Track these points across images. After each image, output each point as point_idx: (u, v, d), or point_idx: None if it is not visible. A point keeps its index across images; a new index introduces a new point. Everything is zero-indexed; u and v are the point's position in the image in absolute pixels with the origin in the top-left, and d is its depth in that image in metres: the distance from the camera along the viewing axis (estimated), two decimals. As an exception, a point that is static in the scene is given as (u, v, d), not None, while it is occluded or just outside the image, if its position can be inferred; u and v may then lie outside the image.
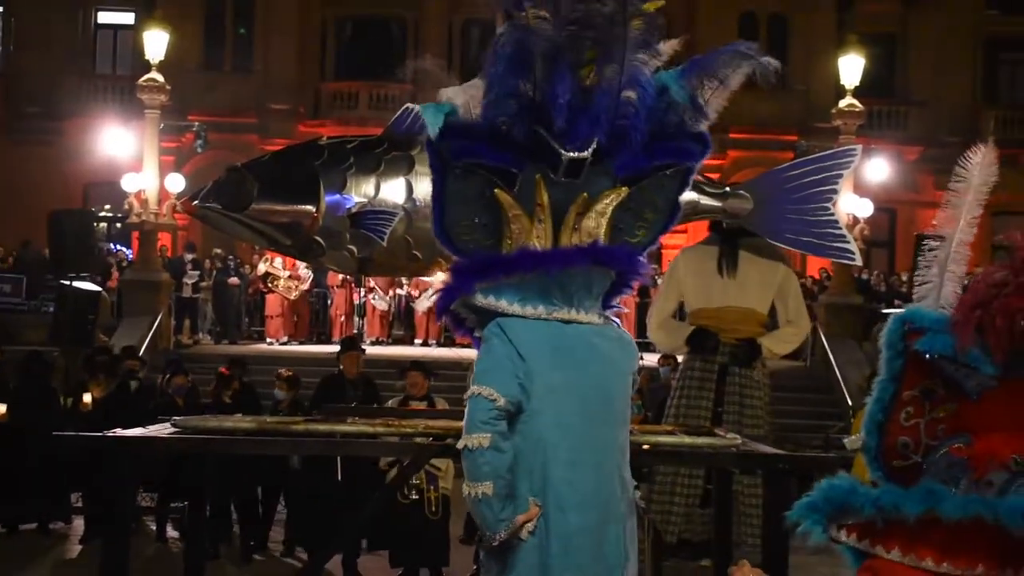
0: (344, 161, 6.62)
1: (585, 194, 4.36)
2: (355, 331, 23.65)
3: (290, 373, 11.94)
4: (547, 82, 4.22)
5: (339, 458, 9.66)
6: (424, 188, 6.48)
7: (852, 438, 3.00)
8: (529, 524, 4.20)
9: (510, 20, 4.26)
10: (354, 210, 6.56)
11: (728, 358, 8.96)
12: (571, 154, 4.25)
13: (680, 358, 9.82)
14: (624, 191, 4.45)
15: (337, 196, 6.55)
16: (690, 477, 9.04)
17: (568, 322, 4.37)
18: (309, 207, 6.56)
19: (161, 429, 6.00)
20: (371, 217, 6.52)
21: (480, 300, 4.37)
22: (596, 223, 4.41)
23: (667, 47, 4.44)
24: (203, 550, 7.25)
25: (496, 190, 4.38)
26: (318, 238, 6.61)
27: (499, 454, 4.17)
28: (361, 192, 6.58)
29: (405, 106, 6.81)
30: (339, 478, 9.91)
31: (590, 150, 4.28)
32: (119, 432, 5.77)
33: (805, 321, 9.38)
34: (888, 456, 2.80)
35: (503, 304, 4.34)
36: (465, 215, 4.47)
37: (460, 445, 4.21)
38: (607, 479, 4.36)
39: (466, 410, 4.22)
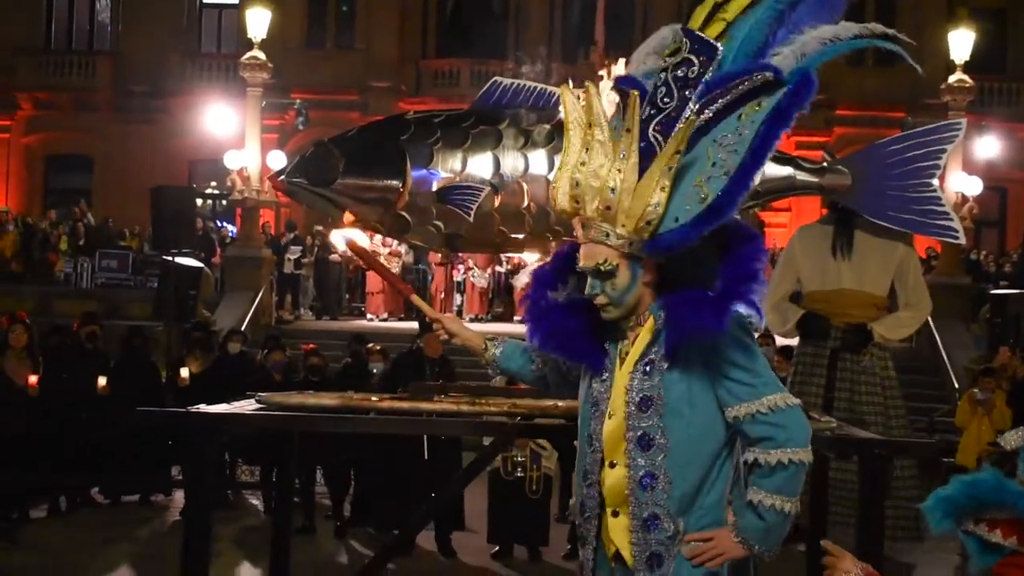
0: (431, 135, 6.53)
1: None
2: (455, 308, 23.77)
3: (380, 347, 12.00)
4: None
5: (426, 437, 9.64)
6: (511, 163, 6.39)
7: (1011, 435, 2.88)
8: None
9: None
10: (441, 185, 6.47)
11: (839, 343, 8.66)
12: None
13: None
14: None
15: (423, 171, 6.47)
16: None
17: None
18: (395, 182, 6.48)
19: (245, 405, 5.99)
20: (458, 192, 6.43)
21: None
22: None
23: None
24: (290, 524, 7.24)
25: None
26: (404, 214, 6.53)
27: None
28: (448, 167, 6.49)
29: (493, 79, 6.72)
30: (425, 457, 9.89)
31: None
32: (201, 408, 5.76)
33: (924, 304, 8.83)
34: None
35: None
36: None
37: (800, 459, 3.75)
38: None
39: (791, 420, 3.77)
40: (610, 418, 3.86)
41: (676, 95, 3.80)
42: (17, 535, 10.78)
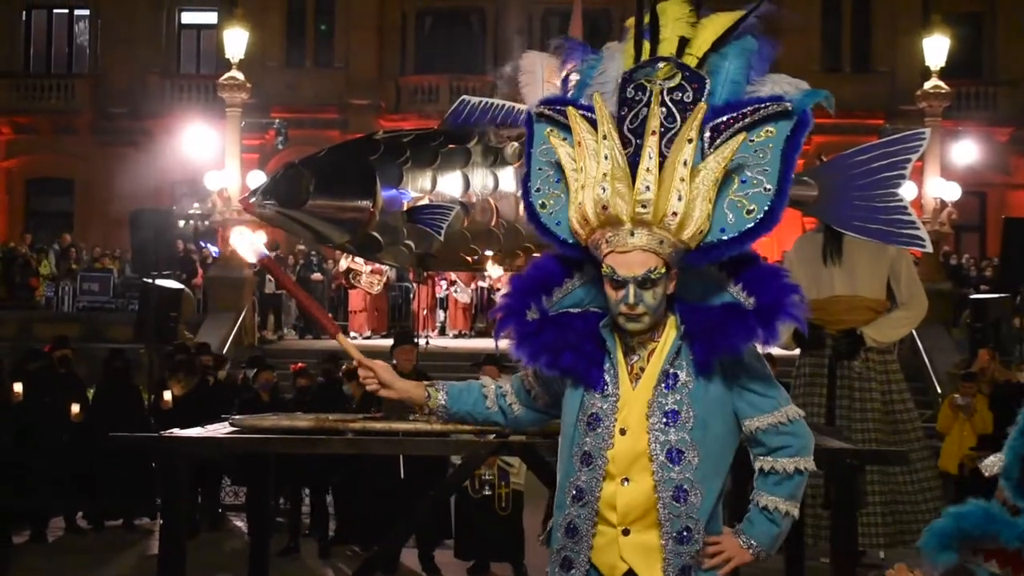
0: (400, 155, 6.56)
1: None
2: (438, 325, 23.80)
3: (351, 367, 12.03)
4: None
5: (401, 456, 9.65)
6: (480, 181, 6.42)
7: (989, 462, 2.92)
8: None
9: None
10: (411, 204, 6.50)
11: (833, 351, 8.59)
12: None
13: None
14: None
15: (393, 191, 6.49)
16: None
17: None
18: (365, 202, 6.50)
19: (219, 428, 6.00)
20: (428, 211, 6.46)
21: None
22: None
23: None
24: (267, 546, 7.25)
25: None
26: (375, 234, 6.56)
27: None
28: (417, 186, 6.52)
29: (461, 98, 6.75)
30: (402, 476, 9.90)
31: None
32: (174, 432, 5.77)
33: (918, 301, 8.79)
34: None
35: None
36: None
37: (810, 467, 3.91)
38: None
39: (803, 430, 3.93)
40: (623, 434, 3.81)
41: (678, 117, 3.82)
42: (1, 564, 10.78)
